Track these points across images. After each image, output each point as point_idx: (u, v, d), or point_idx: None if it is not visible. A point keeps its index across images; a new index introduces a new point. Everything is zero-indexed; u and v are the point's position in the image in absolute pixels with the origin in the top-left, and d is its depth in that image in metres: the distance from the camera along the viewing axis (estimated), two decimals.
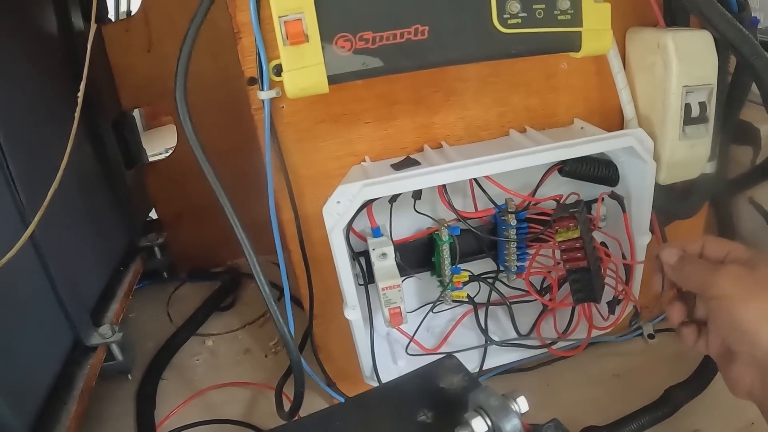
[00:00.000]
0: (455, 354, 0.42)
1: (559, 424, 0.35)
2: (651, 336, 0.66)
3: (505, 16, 0.43)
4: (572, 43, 0.45)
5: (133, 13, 0.73)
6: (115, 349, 0.62)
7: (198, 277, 0.79)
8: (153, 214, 0.81)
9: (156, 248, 0.74)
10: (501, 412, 0.33)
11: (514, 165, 0.46)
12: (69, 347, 0.59)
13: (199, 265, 0.79)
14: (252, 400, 0.64)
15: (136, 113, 0.81)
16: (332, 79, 0.42)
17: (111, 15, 0.76)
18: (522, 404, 0.34)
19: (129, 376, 0.65)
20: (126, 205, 0.71)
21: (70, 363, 0.58)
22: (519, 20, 0.43)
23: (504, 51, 0.44)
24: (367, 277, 0.51)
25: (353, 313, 0.49)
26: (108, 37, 0.72)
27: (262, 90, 0.47)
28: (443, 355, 0.41)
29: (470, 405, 0.35)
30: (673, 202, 0.58)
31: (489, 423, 0.33)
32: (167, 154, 0.77)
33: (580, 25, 0.45)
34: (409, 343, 0.54)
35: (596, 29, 0.45)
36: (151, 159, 0.76)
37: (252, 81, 0.49)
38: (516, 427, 0.33)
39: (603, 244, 0.56)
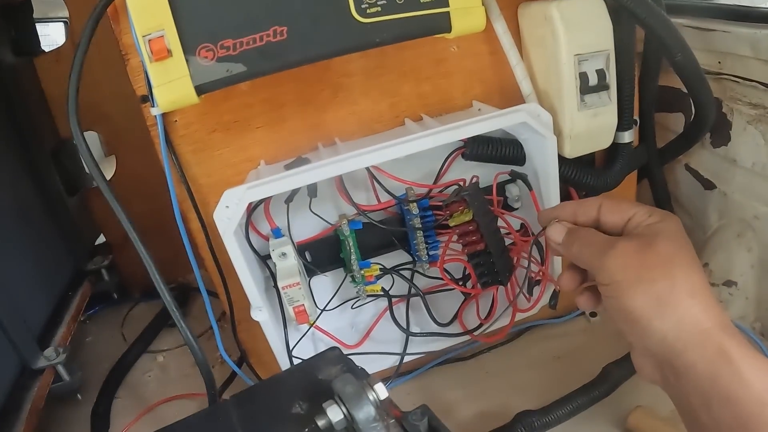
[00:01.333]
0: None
1: (426, 410, 0.35)
2: (593, 314, 0.65)
3: (363, 6, 0.43)
4: (441, 24, 0.45)
5: (61, 44, 0.75)
6: (61, 370, 0.63)
7: (151, 296, 0.80)
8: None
9: (103, 271, 0.76)
10: (354, 400, 0.33)
11: (398, 152, 0.46)
12: (16, 372, 0.61)
13: (151, 284, 0.80)
14: (199, 409, 0.65)
15: (95, 138, 0.83)
16: (199, 89, 0.42)
17: (51, 43, 0.78)
18: (380, 391, 0.34)
19: (78, 395, 0.66)
20: (70, 231, 0.73)
21: (18, 387, 0.60)
22: (378, 8, 0.43)
23: (367, 41, 0.44)
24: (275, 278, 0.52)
25: (260, 314, 0.50)
26: (40, 68, 0.74)
27: (153, 107, 0.48)
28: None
29: (334, 394, 0.35)
30: (588, 174, 0.56)
31: (344, 411, 0.33)
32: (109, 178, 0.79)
33: (447, 6, 0.44)
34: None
35: (465, 7, 0.45)
36: (95, 184, 0.78)
37: (144, 99, 0.50)
38: (369, 414, 0.33)
39: (522, 226, 0.56)
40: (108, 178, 0.82)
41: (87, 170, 0.51)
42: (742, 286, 0.62)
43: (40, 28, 0.75)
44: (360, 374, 0.39)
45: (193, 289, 0.81)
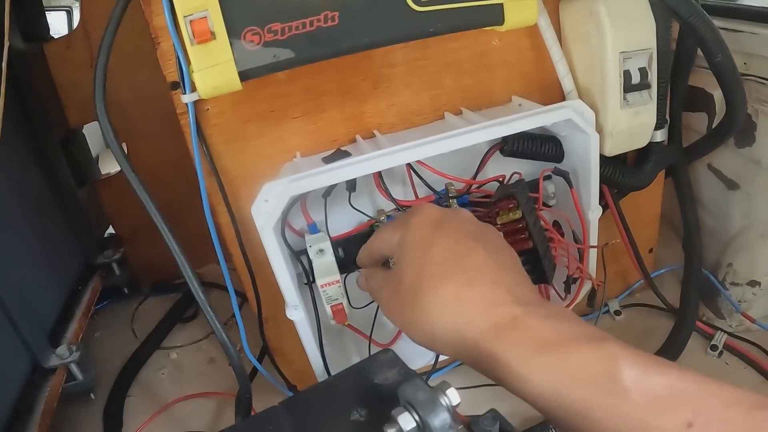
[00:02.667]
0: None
1: (497, 414, 0.34)
2: (617, 312, 0.65)
3: None
4: (494, 16, 0.44)
5: (73, 29, 0.72)
6: (74, 368, 0.60)
7: (161, 291, 0.78)
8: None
9: (114, 264, 0.73)
10: (428, 407, 0.31)
11: (443, 148, 0.45)
12: (27, 371, 0.58)
13: (162, 278, 0.78)
14: (217, 410, 0.63)
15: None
16: (244, 75, 0.40)
17: (53, 32, 0.75)
18: (452, 397, 0.33)
19: (92, 395, 0.63)
20: (80, 224, 0.70)
21: (30, 387, 0.57)
22: None
23: (421, 30, 0.42)
24: (310, 275, 0.50)
25: (296, 313, 0.48)
26: (50, 54, 0.70)
27: (185, 93, 0.46)
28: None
29: (400, 400, 0.34)
30: (623, 173, 0.56)
31: (417, 418, 0.32)
32: (118, 169, 0.76)
33: None
34: (369, 343, 0.53)
35: (519, 0, 0.44)
36: (104, 175, 0.75)
37: (174, 85, 0.48)
38: (445, 421, 0.31)
39: (556, 223, 0.55)
40: (117, 168, 0.79)
41: (112, 154, 0.48)
42: (765, 285, 0.62)
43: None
44: (411, 377, 0.38)
45: (204, 283, 0.78)
